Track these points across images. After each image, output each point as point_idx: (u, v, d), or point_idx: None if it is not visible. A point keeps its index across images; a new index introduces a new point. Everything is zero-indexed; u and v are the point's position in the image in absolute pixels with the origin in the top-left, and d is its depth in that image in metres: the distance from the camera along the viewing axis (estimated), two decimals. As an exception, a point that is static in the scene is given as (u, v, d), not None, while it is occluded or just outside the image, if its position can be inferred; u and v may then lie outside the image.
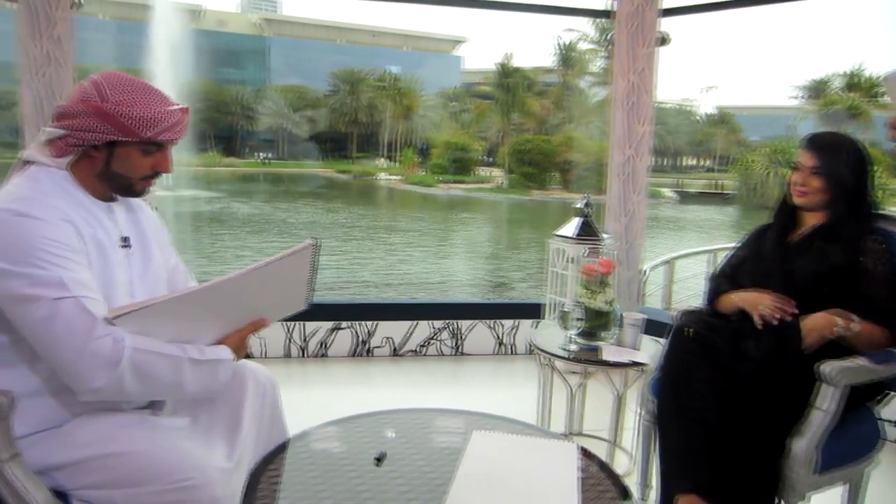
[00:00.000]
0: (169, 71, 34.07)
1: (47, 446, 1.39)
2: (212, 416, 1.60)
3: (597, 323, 2.55)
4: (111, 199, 1.54)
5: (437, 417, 2.00)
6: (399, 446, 1.77)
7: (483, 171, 45.66)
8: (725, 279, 2.16)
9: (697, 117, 61.99)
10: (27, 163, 1.45)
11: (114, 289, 1.45)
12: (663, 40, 4.27)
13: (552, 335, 2.66)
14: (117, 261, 1.49)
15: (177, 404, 1.61)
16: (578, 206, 3.64)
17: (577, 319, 2.43)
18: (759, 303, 1.92)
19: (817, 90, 46.36)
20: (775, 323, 1.87)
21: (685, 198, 41.05)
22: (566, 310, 2.44)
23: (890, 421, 3.03)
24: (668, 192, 41.67)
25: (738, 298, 2.02)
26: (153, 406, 1.58)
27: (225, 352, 1.49)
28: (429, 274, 14.94)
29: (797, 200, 2.04)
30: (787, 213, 2.11)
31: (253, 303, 1.54)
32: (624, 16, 3.95)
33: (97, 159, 1.46)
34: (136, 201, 1.66)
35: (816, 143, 2.02)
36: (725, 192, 40.51)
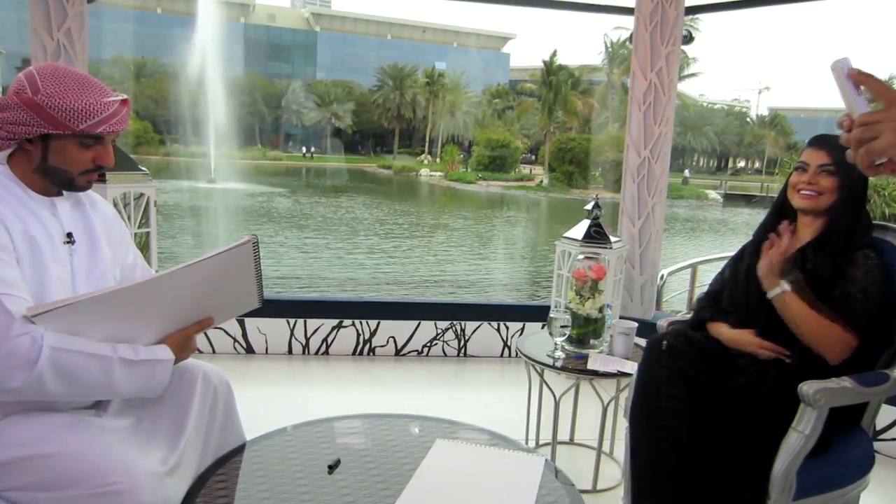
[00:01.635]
0: (212, 64, 34.83)
1: None
2: (156, 417, 1.56)
3: (586, 330, 2.46)
4: (56, 194, 1.51)
5: (404, 424, 1.94)
6: (356, 454, 1.73)
7: (524, 169, 45.41)
8: (709, 305, 2.07)
9: (749, 119, 60.68)
10: None
11: (49, 286, 1.41)
12: (688, 38, 4.13)
13: (542, 341, 2.58)
14: (56, 258, 1.45)
15: (122, 404, 1.57)
16: (587, 207, 3.54)
17: (563, 326, 2.34)
18: (745, 344, 1.90)
19: (876, 92, 44.64)
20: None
21: (728, 200, 40.34)
22: (552, 316, 2.36)
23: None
24: (713, 193, 40.87)
25: (725, 337, 1.96)
26: (97, 406, 1.55)
27: (164, 352, 1.46)
28: (468, 275, 14.78)
29: (802, 203, 1.89)
30: (775, 224, 1.99)
31: (196, 301, 1.51)
32: (644, 13, 3.82)
33: (33, 154, 1.43)
34: (90, 196, 1.63)
35: (828, 141, 1.89)
36: (757, 195, 40.01)
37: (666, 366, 1.75)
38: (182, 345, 1.51)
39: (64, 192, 1.53)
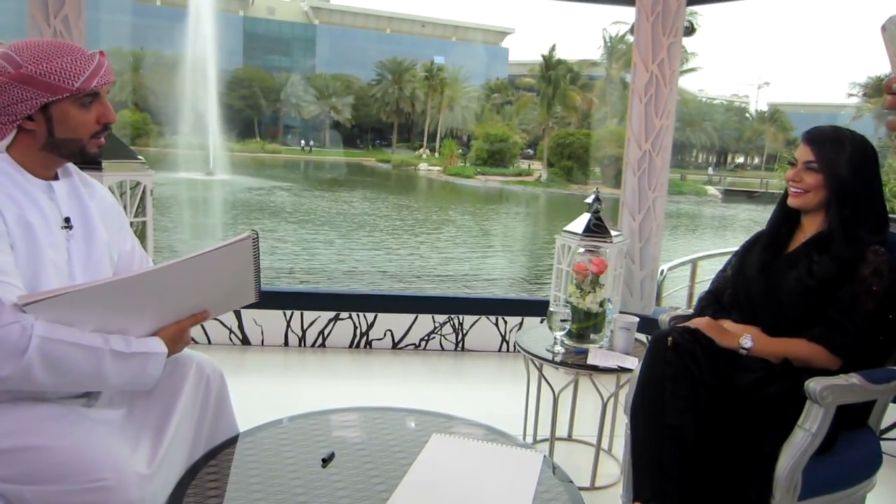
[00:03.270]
0: (211, 56, 34.78)
1: None
2: (147, 408, 1.53)
3: (586, 324, 2.43)
4: (53, 178, 1.49)
5: (400, 418, 1.91)
6: (351, 447, 1.70)
7: (523, 164, 45.36)
8: (710, 303, 2.03)
9: (748, 114, 60.64)
10: None
11: (44, 272, 1.39)
12: (689, 30, 4.09)
13: (541, 336, 2.55)
14: (52, 242, 1.42)
15: (113, 395, 1.54)
16: (588, 201, 3.51)
17: (563, 321, 2.30)
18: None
19: (878, 87, 44.57)
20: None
21: (727, 196, 40.41)
22: (552, 310, 2.32)
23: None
24: (712, 189, 40.87)
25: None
26: (88, 396, 1.51)
27: (157, 344, 1.43)
28: (469, 272, 14.64)
29: (792, 201, 1.87)
30: (784, 218, 1.95)
31: (192, 294, 1.49)
32: (645, 4, 3.78)
33: (37, 131, 1.41)
34: (87, 180, 1.61)
35: (813, 137, 1.84)
36: (757, 191, 40.18)
37: (671, 363, 1.71)
38: (176, 337, 1.49)
39: (60, 174, 1.51)
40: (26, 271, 1.35)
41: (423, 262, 15.19)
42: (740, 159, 61.74)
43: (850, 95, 46.73)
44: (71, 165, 1.56)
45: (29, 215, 1.39)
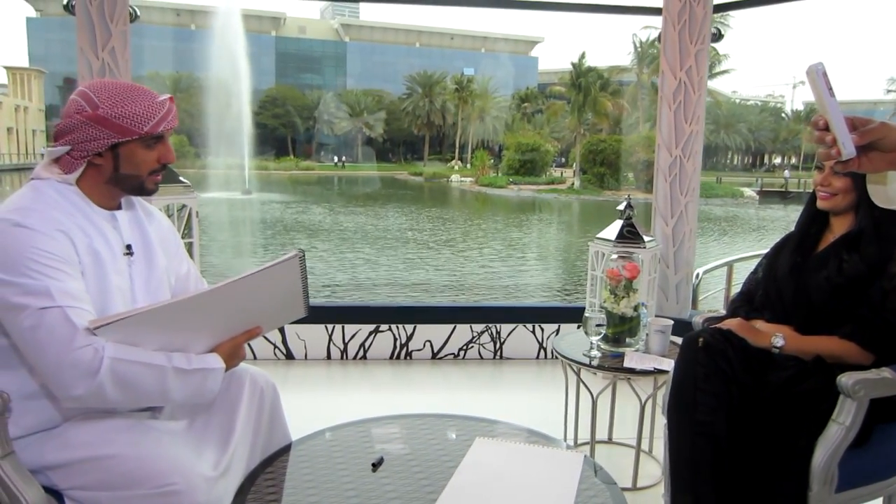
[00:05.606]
0: (245, 77, 35.49)
1: (42, 447, 1.44)
2: (208, 420, 1.63)
3: (621, 328, 2.48)
4: (116, 208, 1.60)
5: (444, 423, 1.98)
6: (399, 452, 1.77)
7: (556, 172, 45.27)
8: (743, 304, 2.08)
9: (784, 114, 59.70)
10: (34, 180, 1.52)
11: (111, 297, 1.49)
12: (716, 36, 4.12)
13: (578, 341, 2.61)
14: (117, 269, 1.53)
15: (175, 408, 1.64)
16: (620, 207, 3.56)
17: (598, 325, 2.36)
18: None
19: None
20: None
21: (763, 197, 39.75)
22: (587, 315, 2.38)
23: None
24: (748, 191, 40.26)
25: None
26: (153, 409, 1.62)
27: (215, 360, 1.52)
28: (529, 283, 14.40)
29: (821, 204, 1.91)
30: (812, 220, 1.99)
31: (245, 312, 1.57)
32: (672, 13, 3.83)
33: (104, 167, 1.51)
34: (147, 208, 1.72)
35: None
36: (792, 191, 39.53)
37: (702, 363, 1.76)
38: (232, 353, 1.57)
39: (123, 204, 1.61)
40: (95, 297, 1.45)
41: (473, 276, 15.08)
42: (777, 160, 60.74)
43: (889, 91, 45.69)
44: None
45: (96, 244, 1.49)
